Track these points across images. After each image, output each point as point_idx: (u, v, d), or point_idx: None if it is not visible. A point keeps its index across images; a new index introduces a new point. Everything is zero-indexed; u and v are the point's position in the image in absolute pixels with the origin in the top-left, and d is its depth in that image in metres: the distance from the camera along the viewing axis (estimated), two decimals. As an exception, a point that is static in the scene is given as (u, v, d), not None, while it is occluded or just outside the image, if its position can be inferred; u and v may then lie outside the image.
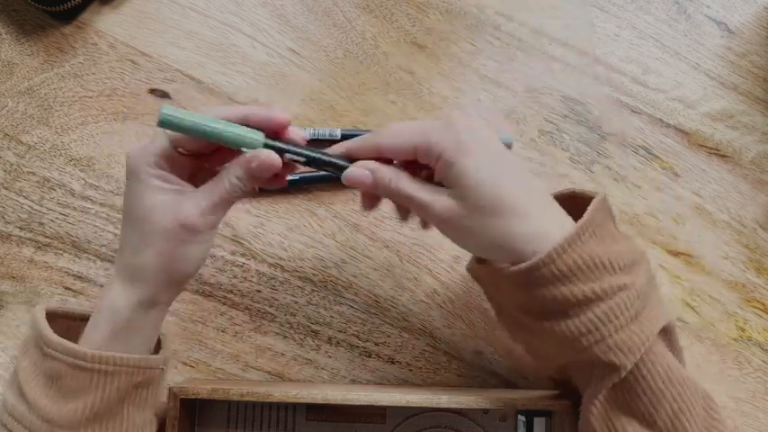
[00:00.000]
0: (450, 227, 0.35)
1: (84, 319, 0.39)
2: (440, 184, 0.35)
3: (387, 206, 0.48)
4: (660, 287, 0.37)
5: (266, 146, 0.35)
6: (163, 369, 0.39)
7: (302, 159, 0.36)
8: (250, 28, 0.50)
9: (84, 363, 0.35)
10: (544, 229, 0.33)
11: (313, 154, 0.36)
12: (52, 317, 0.38)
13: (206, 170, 0.39)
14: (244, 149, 0.35)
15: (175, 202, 0.35)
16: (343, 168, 0.36)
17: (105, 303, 0.37)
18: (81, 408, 0.35)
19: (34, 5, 0.48)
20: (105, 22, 0.50)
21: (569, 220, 0.34)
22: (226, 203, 0.36)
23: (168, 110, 0.34)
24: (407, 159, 0.36)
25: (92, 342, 0.36)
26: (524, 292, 0.34)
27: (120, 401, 0.36)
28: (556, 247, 0.32)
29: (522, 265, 0.33)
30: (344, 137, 0.47)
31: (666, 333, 0.35)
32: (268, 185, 0.39)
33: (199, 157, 0.38)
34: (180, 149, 0.36)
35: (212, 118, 0.35)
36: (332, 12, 0.50)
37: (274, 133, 0.36)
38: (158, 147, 0.36)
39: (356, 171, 0.36)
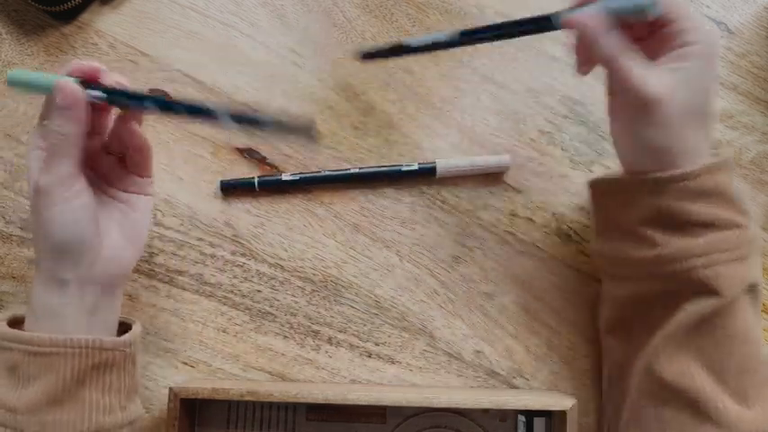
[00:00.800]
0: (651, 111, 0.35)
1: None
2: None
3: (387, 205, 0.48)
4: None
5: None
6: (125, 352, 0.38)
7: (103, 96, 0.36)
8: (250, 28, 0.50)
9: (36, 348, 0.36)
10: (699, 152, 0.36)
11: (121, 90, 0.37)
12: (20, 323, 0.38)
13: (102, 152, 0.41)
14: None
15: (30, 167, 0.37)
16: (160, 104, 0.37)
17: (31, 291, 0.38)
18: (39, 392, 0.35)
19: (34, 5, 0.48)
20: (105, 23, 0.50)
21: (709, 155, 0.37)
22: (60, 155, 0.35)
23: (14, 73, 0.37)
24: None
25: (27, 331, 0.37)
26: (658, 201, 0.37)
27: (78, 383, 0.36)
28: (705, 165, 0.35)
29: (669, 172, 0.36)
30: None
31: (754, 293, 0.38)
32: (121, 134, 0.39)
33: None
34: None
35: (44, 76, 0.36)
36: (332, 12, 0.50)
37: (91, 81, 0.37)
38: (36, 127, 0.37)
39: (581, 14, 0.35)
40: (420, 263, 0.48)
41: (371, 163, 0.49)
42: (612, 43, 0.35)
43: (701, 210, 0.36)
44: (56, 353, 0.36)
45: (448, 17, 0.50)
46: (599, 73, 0.50)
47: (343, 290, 0.48)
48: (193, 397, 0.40)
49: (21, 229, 0.48)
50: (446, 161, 0.48)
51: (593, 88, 0.50)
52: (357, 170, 0.48)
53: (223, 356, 0.47)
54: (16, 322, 0.39)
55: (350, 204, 0.49)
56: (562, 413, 0.40)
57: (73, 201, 0.36)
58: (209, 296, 0.47)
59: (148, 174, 0.42)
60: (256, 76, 0.50)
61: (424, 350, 0.47)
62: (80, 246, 0.37)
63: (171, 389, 0.39)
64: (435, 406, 0.41)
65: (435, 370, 0.47)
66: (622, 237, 0.39)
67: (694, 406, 0.37)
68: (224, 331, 0.47)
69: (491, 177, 0.49)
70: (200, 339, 0.47)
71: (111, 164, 0.41)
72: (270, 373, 0.47)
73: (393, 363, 0.47)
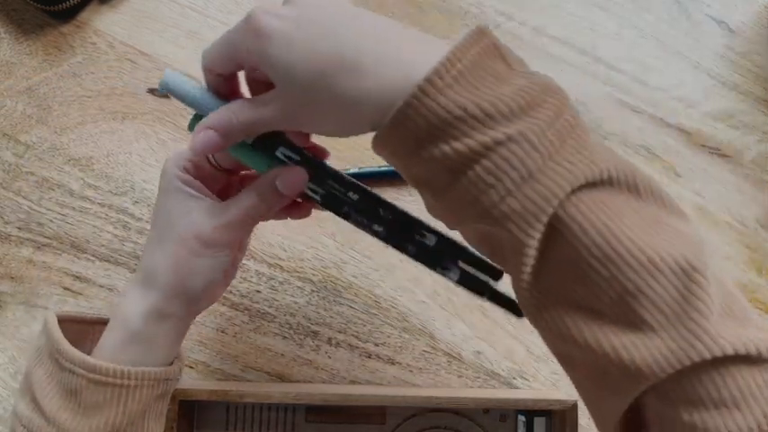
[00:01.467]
0: (292, 123, 0.30)
1: (95, 322, 0.39)
2: None
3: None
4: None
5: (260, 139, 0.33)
6: (179, 379, 0.39)
7: (317, 198, 0.34)
8: (249, 27, 0.50)
9: (104, 378, 0.34)
10: (387, 79, 0.27)
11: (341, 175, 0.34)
12: (63, 322, 0.38)
13: (237, 187, 0.38)
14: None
15: (194, 210, 0.34)
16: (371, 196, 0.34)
17: (120, 310, 0.36)
18: (102, 423, 0.35)
19: (33, 5, 0.48)
20: (104, 22, 0.50)
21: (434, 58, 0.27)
22: (244, 221, 0.34)
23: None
24: (239, 70, 0.33)
25: (104, 349, 0.36)
26: (405, 159, 0.29)
27: (141, 414, 0.36)
28: (407, 100, 0.26)
29: (381, 129, 0.27)
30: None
31: (615, 187, 0.27)
32: (293, 215, 0.37)
33: (232, 174, 0.37)
34: (212, 161, 0.36)
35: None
36: (331, 11, 0.50)
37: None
38: (189, 152, 0.35)
39: (202, 137, 0.31)
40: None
41: (371, 163, 0.49)
42: (234, 117, 0.31)
43: (436, 152, 0.27)
44: (126, 385, 0.35)
45: (448, 17, 0.50)
46: (599, 72, 0.50)
47: (342, 290, 0.48)
48: (192, 399, 0.39)
49: (19, 229, 0.47)
50: None
51: (594, 88, 0.49)
52: (357, 170, 0.48)
53: (222, 357, 0.47)
54: (65, 320, 0.37)
55: (349, 204, 0.48)
56: (562, 412, 0.40)
57: (224, 263, 0.35)
58: (209, 296, 0.47)
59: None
60: (256, 75, 0.50)
61: (424, 351, 0.47)
62: (206, 297, 0.37)
63: None
64: (435, 406, 0.40)
65: (435, 370, 0.47)
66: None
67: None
68: (223, 331, 0.47)
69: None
70: (199, 340, 0.47)
71: None
72: (269, 373, 0.47)
73: (393, 363, 0.47)
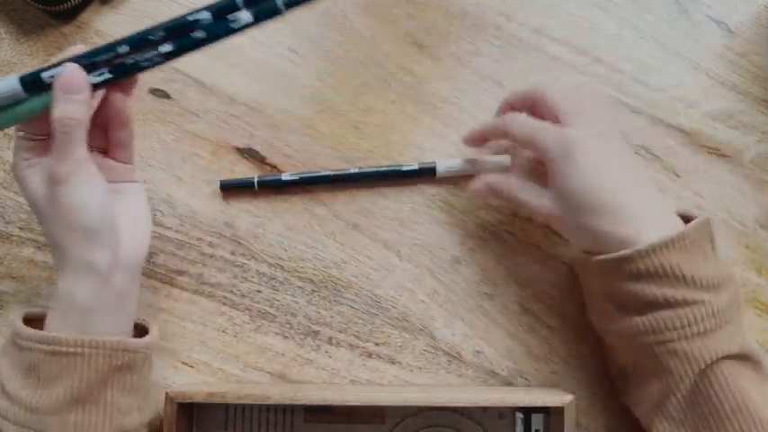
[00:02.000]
0: (553, 224, 0.45)
1: None
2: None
3: (387, 205, 0.48)
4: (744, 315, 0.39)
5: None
6: (146, 354, 0.39)
7: (109, 76, 0.37)
8: (250, 28, 0.50)
9: (59, 348, 0.36)
10: (636, 232, 0.37)
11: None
12: (34, 321, 0.38)
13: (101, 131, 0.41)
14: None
15: (42, 171, 0.37)
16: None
17: (55, 294, 0.38)
18: (62, 392, 0.35)
19: (33, 5, 0.48)
20: (105, 22, 0.50)
21: (673, 227, 0.38)
22: (66, 138, 0.36)
23: None
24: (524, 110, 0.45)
25: (50, 329, 0.37)
26: (609, 281, 0.39)
27: (101, 384, 0.36)
28: (641, 249, 0.36)
29: (609, 255, 0.38)
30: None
31: (749, 362, 0.37)
32: (115, 118, 0.40)
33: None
34: (31, 136, 0.38)
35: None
36: (332, 12, 0.50)
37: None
38: (17, 146, 0.38)
39: (476, 185, 0.45)
40: (420, 263, 0.48)
41: (371, 163, 0.49)
42: (514, 194, 0.43)
43: (645, 290, 0.37)
44: (80, 353, 0.36)
45: (448, 17, 0.50)
46: (599, 72, 0.50)
47: (343, 290, 0.48)
48: (190, 401, 0.39)
49: (20, 229, 0.48)
50: (446, 161, 0.48)
51: (594, 88, 0.50)
52: (357, 170, 0.48)
53: (223, 356, 0.47)
54: (29, 320, 0.39)
55: (350, 204, 0.49)
56: (560, 409, 0.40)
57: (93, 182, 0.37)
58: (209, 296, 0.47)
59: (131, 160, 0.42)
60: (256, 76, 0.50)
61: (424, 350, 0.47)
62: (107, 223, 0.37)
63: (167, 393, 0.39)
64: (434, 405, 0.41)
65: (435, 370, 0.47)
66: (594, 308, 0.44)
67: None
68: (224, 331, 0.47)
69: (491, 177, 0.49)
70: (199, 339, 0.47)
71: (96, 159, 0.40)
72: (270, 373, 0.47)
73: (393, 363, 0.47)
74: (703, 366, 0.36)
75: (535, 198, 0.42)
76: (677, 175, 0.49)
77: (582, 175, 0.39)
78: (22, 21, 0.50)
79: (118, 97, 0.39)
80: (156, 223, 0.48)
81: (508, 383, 0.47)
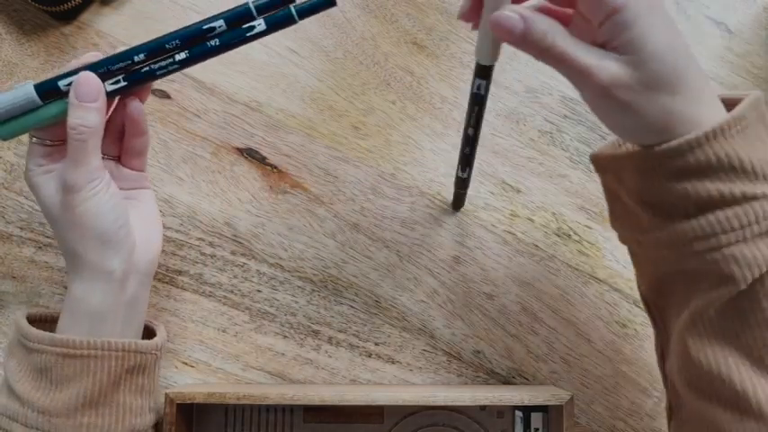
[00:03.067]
0: (610, 98, 0.30)
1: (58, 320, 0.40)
2: (601, 46, 0.30)
3: (387, 205, 0.48)
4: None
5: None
6: (157, 355, 0.39)
7: (124, 84, 0.37)
8: (250, 28, 0.50)
9: (72, 350, 0.36)
10: (701, 114, 0.30)
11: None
12: (35, 321, 0.39)
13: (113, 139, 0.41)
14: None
15: (54, 178, 0.37)
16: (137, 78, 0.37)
17: (66, 294, 0.38)
18: (74, 394, 0.36)
19: (34, 5, 0.48)
20: (106, 23, 0.50)
21: (722, 110, 0.31)
22: (82, 147, 0.36)
23: None
24: (561, 9, 0.32)
25: (61, 332, 0.37)
26: (652, 181, 0.31)
27: (114, 386, 0.37)
28: (699, 135, 0.29)
29: (664, 146, 0.30)
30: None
31: None
32: (129, 127, 0.40)
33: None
34: (45, 142, 0.38)
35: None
36: (332, 12, 0.50)
37: None
38: (31, 151, 0.38)
39: (506, 15, 0.30)
40: (420, 263, 0.48)
41: (371, 163, 0.49)
42: (543, 30, 0.30)
43: (698, 187, 0.30)
44: (93, 356, 0.36)
45: (448, 17, 0.50)
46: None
47: (343, 290, 0.48)
48: (189, 402, 0.40)
49: (20, 229, 0.48)
50: None
51: (593, 88, 0.50)
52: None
53: (223, 356, 0.47)
54: (32, 321, 0.39)
55: (350, 204, 0.49)
56: (559, 408, 0.40)
57: (106, 190, 0.37)
58: (209, 296, 0.47)
59: (144, 167, 0.43)
60: (256, 76, 0.50)
61: (424, 350, 0.47)
62: (121, 230, 0.38)
63: (166, 394, 0.39)
64: (432, 404, 0.41)
65: (435, 370, 0.47)
66: (624, 215, 0.36)
67: (734, 399, 0.32)
68: (224, 331, 0.47)
69: (490, 177, 0.49)
70: (199, 339, 0.47)
71: (109, 166, 0.41)
72: (270, 372, 0.47)
73: (393, 363, 0.47)
74: (765, 270, 0.30)
75: (595, 57, 0.29)
76: (677, 176, 0.49)
77: (671, 35, 0.29)
78: (23, 21, 0.50)
79: (135, 105, 0.39)
80: (156, 223, 0.48)
81: (508, 383, 0.47)
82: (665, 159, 0.30)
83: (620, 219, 0.36)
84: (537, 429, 0.43)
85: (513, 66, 0.50)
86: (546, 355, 0.47)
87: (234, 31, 0.37)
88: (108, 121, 0.39)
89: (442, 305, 0.48)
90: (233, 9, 0.37)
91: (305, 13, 0.38)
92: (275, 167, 0.49)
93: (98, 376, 0.36)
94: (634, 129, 0.31)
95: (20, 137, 0.39)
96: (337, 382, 0.47)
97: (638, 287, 0.39)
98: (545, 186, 0.49)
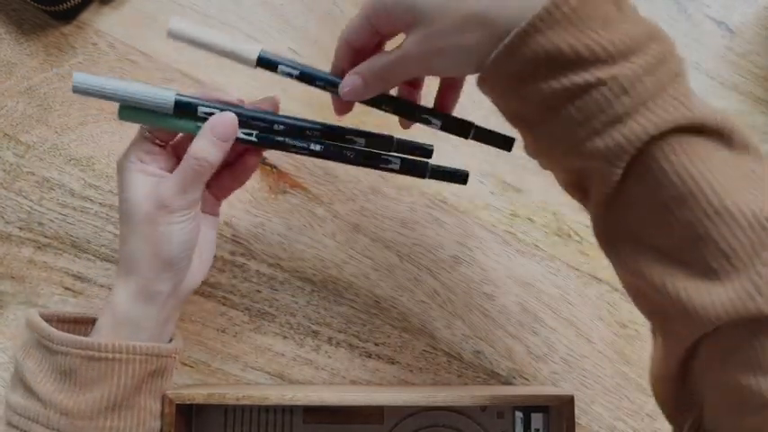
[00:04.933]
0: (424, 61, 0.32)
1: (76, 321, 0.41)
2: None
3: (387, 205, 0.48)
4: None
5: (177, 102, 0.37)
6: (174, 358, 0.40)
7: (254, 140, 0.38)
8: (250, 28, 0.50)
9: (97, 353, 0.36)
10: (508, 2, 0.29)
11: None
12: (48, 321, 0.39)
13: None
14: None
15: (153, 187, 0.37)
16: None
17: (109, 300, 0.38)
18: (98, 397, 0.36)
19: (33, 5, 0.48)
20: (105, 22, 0.50)
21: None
22: (196, 177, 0.37)
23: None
24: (374, 42, 0.36)
25: (94, 336, 0.38)
26: (503, 98, 0.31)
27: (136, 390, 0.37)
28: (503, 47, 0.28)
29: (489, 59, 0.29)
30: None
31: (711, 135, 0.28)
32: (241, 170, 0.41)
33: (177, 150, 0.40)
34: (153, 138, 0.39)
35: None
36: (332, 11, 0.50)
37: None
38: (136, 141, 0.39)
39: (348, 80, 0.36)
40: (420, 263, 0.48)
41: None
42: (380, 62, 0.35)
43: (536, 90, 0.29)
44: (118, 359, 0.36)
45: (448, 17, 0.50)
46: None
47: (342, 290, 0.48)
48: (189, 402, 0.39)
49: (20, 229, 0.48)
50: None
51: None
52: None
53: (222, 357, 0.47)
54: (47, 320, 0.39)
55: (350, 204, 0.48)
56: (559, 408, 0.40)
57: (193, 221, 0.38)
58: (209, 296, 0.47)
59: (222, 199, 0.43)
60: (256, 75, 0.50)
61: (424, 350, 0.47)
62: (184, 260, 0.38)
63: (165, 395, 0.39)
64: (432, 405, 0.40)
65: (435, 370, 0.47)
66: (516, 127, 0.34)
67: (655, 294, 0.29)
68: (223, 331, 0.47)
69: (491, 177, 0.49)
70: (199, 339, 0.47)
71: None
72: (269, 373, 0.47)
73: (393, 363, 0.47)
74: (633, 153, 0.28)
75: (394, 54, 0.33)
76: (677, 176, 0.49)
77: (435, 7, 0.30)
78: (22, 21, 0.50)
79: (253, 159, 0.41)
80: (155, 223, 0.48)
81: (508, 383, 0.47)
82: (495, 71, 0.30)
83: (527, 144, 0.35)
84: (537, 430, 0.43)
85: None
86: (546, 356, 0.47)
87: (371, 153, 0.39)
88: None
89: (442, 305, 0.48)
90: (378, 133, 0.39)
91: (436, 174, 0.40)
92: (275, 167, 0.49)
93: (122, 379, 0.36)
94: (461, 60, 0.31)
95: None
96: (337, 383, 0.47)
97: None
98: (545, 186, 0.49)
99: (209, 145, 0.37)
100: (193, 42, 0.38)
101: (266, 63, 0.38)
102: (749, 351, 0.26)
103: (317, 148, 0.39)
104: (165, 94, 0.37)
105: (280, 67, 0.38)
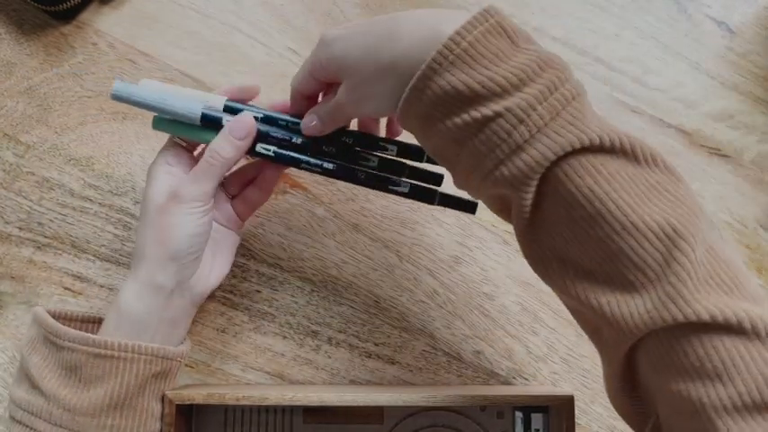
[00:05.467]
0: (355, 106, 0.35)
1: (82, 320, 0.41)
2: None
3: (387, 205, 0.48)
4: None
5: (204, 115, 0.39)
6: (180, 362, 0.40)
7: (271, 155, 0.40)
8: (250, 28, 0.50)
9: (104, 350, 0.37)
10: (416, 40, 0.31)
11: (265, 113, 0.40)
12: (57, 319, 0.39)
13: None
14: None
15: (168, 180, 0.39)
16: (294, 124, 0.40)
17: (116, 297, 0.39)
18: (102, 395, 0.36)
19: (33, 5, 0.48)
20: (105, 22, 0.50)
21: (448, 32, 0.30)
22: (208, 169, 0.38)
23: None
24: (321, 88, 0.39)
25: (104, 332, 0.38)
26: (421, 136, 0.33)
27: (139, 390, 0.38)
28: (405, 97, 0.31)
29: (399, 104, 0.32)
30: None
31: (615, 153, 0.29)
32: (262, 183, 0.43)
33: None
34: (183, 143, 0.41)
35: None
36: (332, 12, 0.50)
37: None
38: (166, 146, 0.41)
39: (307, 119, 0.39)
40: (420, 263, 0.48)
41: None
42: (326, 109, 0.37)
43: (442, 128, 0.31)
44: (123, 357, 0.37)
45: (448, 17, 0.50)
46: (599, 72, 0.50)
47: (342, 290, 0.48)
48: (189, 402, 0.40)
49: (20, 229, 0.48)
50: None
51: (594, 89, 0.50)
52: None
53: (222, 357, 0.47)
54: (58, 318, 0.40)
55: (350, 204, 0.48)
56: (559, 408, 0.40)
57: (202, 216, 0.39)
58: (209, 296, 0.47)
59: (246, 218, 0.45)
60: (256, 75, 0.50)
61: (424, 350, 0.47)
62: (190, 256, 0.39)
63: (165, 395, 0.39)
64: (432, 405, 0.40)
65: (435, 370, 0.47)
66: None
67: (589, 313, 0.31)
68: (223, 331, 0.47)
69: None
70: (199, 339, 0.47)
71: (221, 196, 0.43)
72: (269, 373, 0.47)
73: (393, 363, 0.47)
74: (537, 177, 0.29)
75: (333, 100, 0.36)
76: (677, 176, 0.49)
77: (347, 42, 0.34)
78: (22, 21, 0.50)
79: (275, 172, 0.43)
80: (155, 223, 0.48)
81: (507, 383, 0.47)
82: (406, 112, 0.32)
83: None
84: (537, 430, 0.43)
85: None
86: (546, 356, 0.47)
87: (381, 177, 0.40)
88: (249, 166, 0.44)
89: (442, 305, 0.48)
90: (390, 160, 0.40)
91: (445, 202, 0.41)
92: (275, 167, 0.49)
93: (126, 378, 0.37)
94: (382, 104, 0.34)
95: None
96: (337, 383, 0.47)
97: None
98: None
99: (223, 141, 0.38)
100: (137, 104, 0.39)
101: (211, 119, 0.39)
102: (674, 358, 0.28)
103: (330, 166, 0.40)
104: (193, 107, 0.39)
105: (224, 119, 0.39)
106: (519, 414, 0.43)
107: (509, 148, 0.29)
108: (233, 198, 0.44)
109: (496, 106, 0.29)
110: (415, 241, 0.48)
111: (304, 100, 0.40)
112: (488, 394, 0.40)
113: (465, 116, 0.30)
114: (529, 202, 0.30)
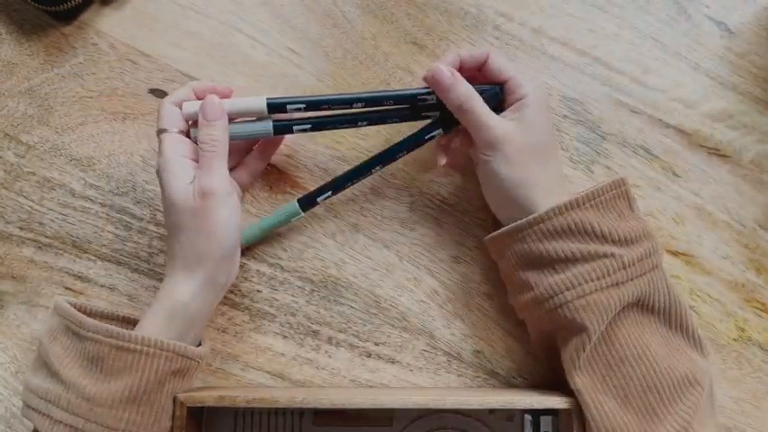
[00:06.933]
0: (497, 150, 0.40)
1: (101, 315, 0.41)
2: None
3: (387, 205, 0.48)
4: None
5: (275, 127, 0.43)
6: (198, 363, 0.40)
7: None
8: (250, 28, 0.50)
9: (127, 344, 0.37)
10: (552, 183, 0.41)
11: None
12: (87, 312, 0.40)
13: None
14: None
15: (189, 178, 0.40)
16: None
17: (163, 295, 0.40)
18: (121, 387, 0.37)
19: (34, 5, 0.48)
20: (105, 23, 0.50)
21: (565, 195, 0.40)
22: (217, 157, 0.40)
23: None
24: (475, 69, 0.43)
25: (145, 329, 0.39)
26: (527, 244, 0.40)
27: (158, 386, 0.38)
28: (556, 206, 0.39)
29: (534, 215, 0.39)
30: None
31: (646, 308, 0.39)
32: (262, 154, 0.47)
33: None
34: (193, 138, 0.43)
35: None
36: (332, 12, 0.50)
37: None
38: (167, 145, 0.41)
39: (441, 68, 0.41)
40: (420, 263, 0.48)
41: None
42: (465, 91, 0.40)
43: (560, 247, 0.39)
44: (145, 352, 0.37)
45: (448, 17, 0.50)
46: (598, 73, 0.50)
47: (342, 290, 0.48)
48: (200, 405, 0.39)
49: (20, 229, 0.48)
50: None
51: (593, 89, 0.50)
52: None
53: (223, 356, 0.47)
54: (86, 313, 0.40)
55: (350, 204, 0.49)
56: (568, 411, 0.40)
57: (234, 199, 0.41)
58: (209, 296, 0.47)
59: (245, 183, 0.47)
60: (256, 76, 0.50)
61: (424, 350, 0.47)
62: (235, 247, 0.42)
63: (176, 397, 0.39)
64: (441, 407, 0.40)
65: (435, 370, 0.47)
66: (511, 286, 0.43)
67: None
68: (224, 331, 0.47)
69: (491, 177, 0.49)
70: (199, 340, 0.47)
71: None
72: (269, 372, 0.47)
73: (393, 363, 0.47)
74: (611, 316, 0.38)
75: (496, 120, 0.41)
76: (677, 175, 0.49)
77: (549, 127, 0.42)
78: (23, 21, 0.50)
79: (276, 145, 0.47)
80: (155, 223, 0.48)
81: (508, 383, 0.47)
82: (535, 225, 0.39)
83: (513, 291, 0.43)
84: (545, 433, 0.43)
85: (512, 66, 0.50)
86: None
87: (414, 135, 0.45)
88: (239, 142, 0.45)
89: (442, 305, 0.48)
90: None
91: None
92: (275, 167, 0.49)
93: (146, 373, 0.37)
94: (508, 190, 0.41)
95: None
96: (337, 383, 0.47)
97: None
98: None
99: (207, 128, 0.40)
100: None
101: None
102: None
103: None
104: (264, 126, 0.44)
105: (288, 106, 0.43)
106: (528, 417, 0.43)
107: (611, 283, 0.38)
108: (231, 170, 0.45)
109: (614, 249, 0.38)
110: (415, 241, 0.48)
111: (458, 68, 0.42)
112: (498, 397, 0.40)
113: (585, 246, 0.38)
114: (598, 332, 0.38)
